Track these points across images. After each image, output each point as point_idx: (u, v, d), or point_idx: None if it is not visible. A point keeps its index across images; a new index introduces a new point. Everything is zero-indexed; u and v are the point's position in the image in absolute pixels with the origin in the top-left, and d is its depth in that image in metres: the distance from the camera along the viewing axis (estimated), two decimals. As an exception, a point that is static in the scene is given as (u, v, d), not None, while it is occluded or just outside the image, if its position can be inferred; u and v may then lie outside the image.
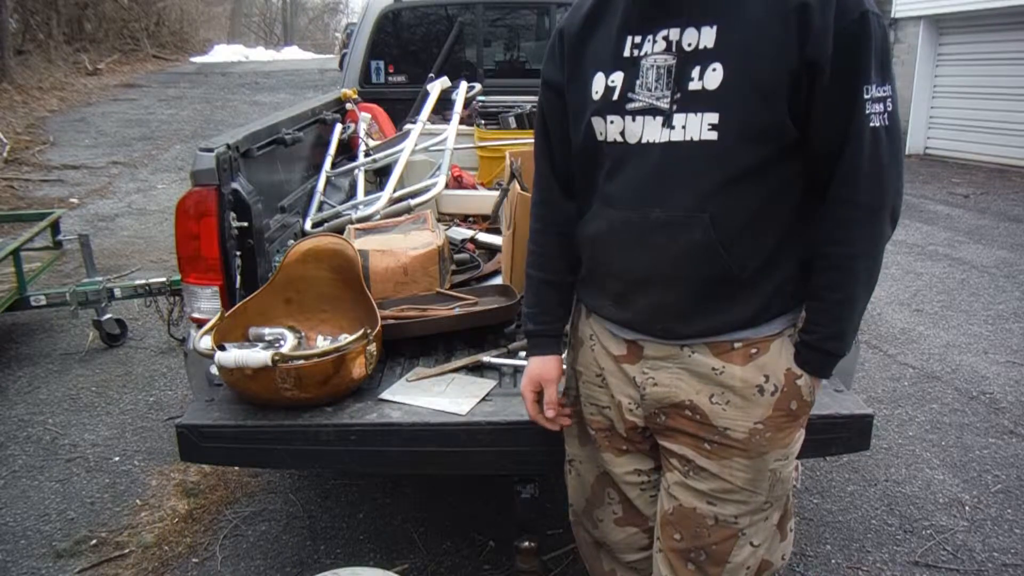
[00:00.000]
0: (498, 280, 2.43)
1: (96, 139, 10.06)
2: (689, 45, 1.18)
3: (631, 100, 1.23)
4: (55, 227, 4.46)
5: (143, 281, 3.89)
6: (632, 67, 1.24)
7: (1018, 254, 5.66)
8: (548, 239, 1.46)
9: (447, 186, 2.89)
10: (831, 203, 1.22)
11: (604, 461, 1.46)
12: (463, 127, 3.37)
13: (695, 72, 1.17)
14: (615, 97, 1.25)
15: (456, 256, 2.57)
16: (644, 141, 1.23)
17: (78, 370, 3.76)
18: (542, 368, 1.46)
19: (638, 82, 1.23)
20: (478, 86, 3.75)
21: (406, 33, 4.26)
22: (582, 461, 1.52)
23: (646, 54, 1.22)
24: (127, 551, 2.42)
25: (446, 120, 3.35)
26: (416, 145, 3.06)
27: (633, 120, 1.23)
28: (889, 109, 1.17)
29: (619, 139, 1.25)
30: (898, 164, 1.21)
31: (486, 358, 1.94)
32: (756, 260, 1.23)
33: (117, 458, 2.97)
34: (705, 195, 1.19)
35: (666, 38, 1.20)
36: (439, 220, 2.78)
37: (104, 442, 3.09)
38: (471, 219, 2.97)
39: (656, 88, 1.21)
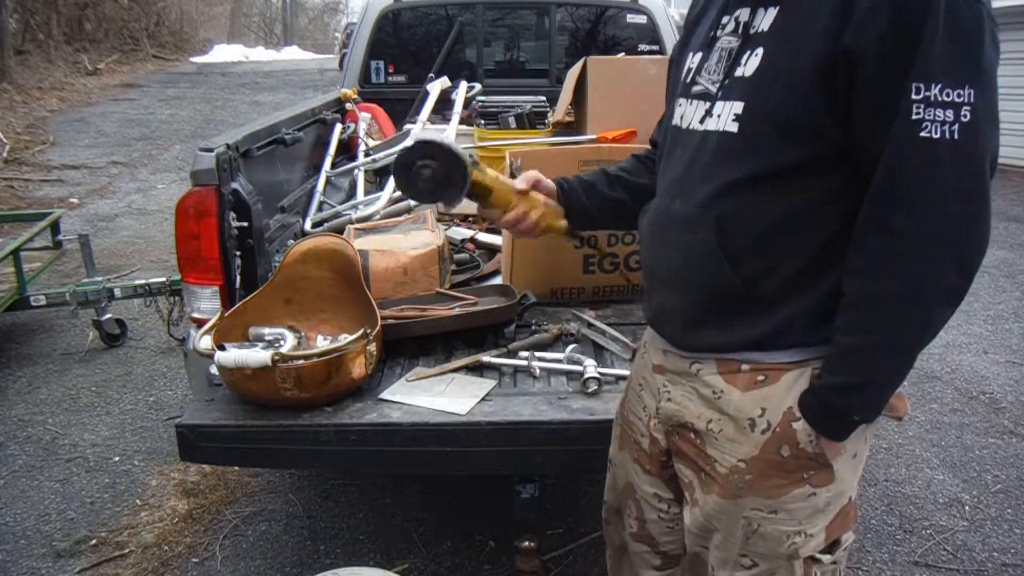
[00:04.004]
0: (498, 280, 2.43)
1: (96, 139, 10.05)
2: (752, 28, 1.09)
3: (696, 83, 1.17)
4: (55, 227, 4.46)
5: (143, 281, 3.89)
6: (708, 48, 1.16)
7: (1018, 254, 5.66)
8: (611, 175, 1.43)
9: (447, 186, 2.88)
10: (858, 227, 1.02)
11: (631, 472, 1.40)
12: (463, 127, 3.37)
13: (745, 57, 1.08)
14: (689, 79, 1.19)
15: (456, 256, 2.57)
16: (690, 127, 1.16)
17: (78, 370, 3.75)
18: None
19: (706, 64, 1.16)
20: (478, 86, 3.74)
21: (406, 33, 4.25)
22: (618, 464, 1.46)
23: (720, 35, 1.15)
24: (127, 551, 2.43)
25: (446, 120, 3.34)
26: (416, 145, 3.05)
27: (690, 104, 1.17)
28: (964, 119, 0.94)
29: (679, 123, 1.19)
30: (969, 192, 0.96)
31: (486, 358, 1.94)
32: (773, 278, 1.09)
33: (117, 458, 2.97)
34: (717, 193, 1.09)
35: (737, 19, 1.12)
36: (439, 220, 2.78)
37: (104, 442, 3.09)
38: (471, 219, 2.97)
39: (715, 71, 1.13)
